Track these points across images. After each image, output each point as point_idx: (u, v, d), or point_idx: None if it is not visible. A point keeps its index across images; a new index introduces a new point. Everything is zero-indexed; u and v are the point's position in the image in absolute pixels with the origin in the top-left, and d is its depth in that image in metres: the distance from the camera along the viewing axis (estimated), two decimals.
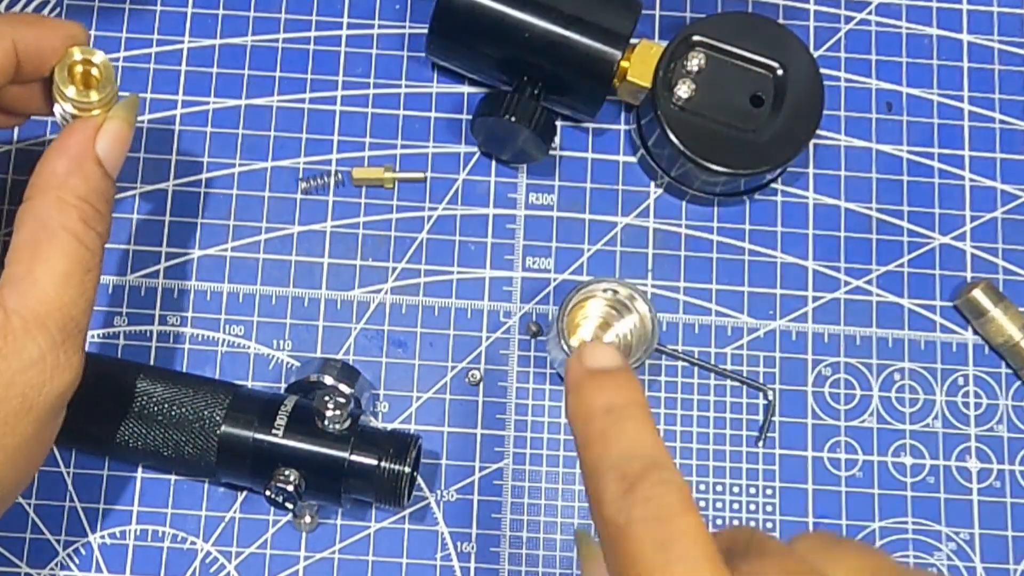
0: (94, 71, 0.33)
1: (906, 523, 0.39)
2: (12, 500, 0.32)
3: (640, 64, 0.39)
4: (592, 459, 0.24)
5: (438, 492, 0.39)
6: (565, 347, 0.37)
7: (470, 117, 0.41)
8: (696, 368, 0.40)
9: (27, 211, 0.31)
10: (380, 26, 0.43)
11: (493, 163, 0.42)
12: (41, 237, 0.30)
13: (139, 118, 0.41)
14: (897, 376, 0.41)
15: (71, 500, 0.38)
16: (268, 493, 0.35)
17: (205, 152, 0.41)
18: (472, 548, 0.39)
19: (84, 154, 0.31)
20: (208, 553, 0.38)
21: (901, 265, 0.42)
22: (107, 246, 0.40)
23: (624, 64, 0.39)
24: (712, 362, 0.40)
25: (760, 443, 0.40)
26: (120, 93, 0.33)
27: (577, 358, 0.26)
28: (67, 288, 0.30)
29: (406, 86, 0.42)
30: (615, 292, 0.38)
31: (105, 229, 0.31)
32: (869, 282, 0.41)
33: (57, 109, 0.33)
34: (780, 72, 0.40)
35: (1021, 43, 0.44)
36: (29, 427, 0.29)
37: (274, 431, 0.35)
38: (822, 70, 0.40)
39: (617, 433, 0.24)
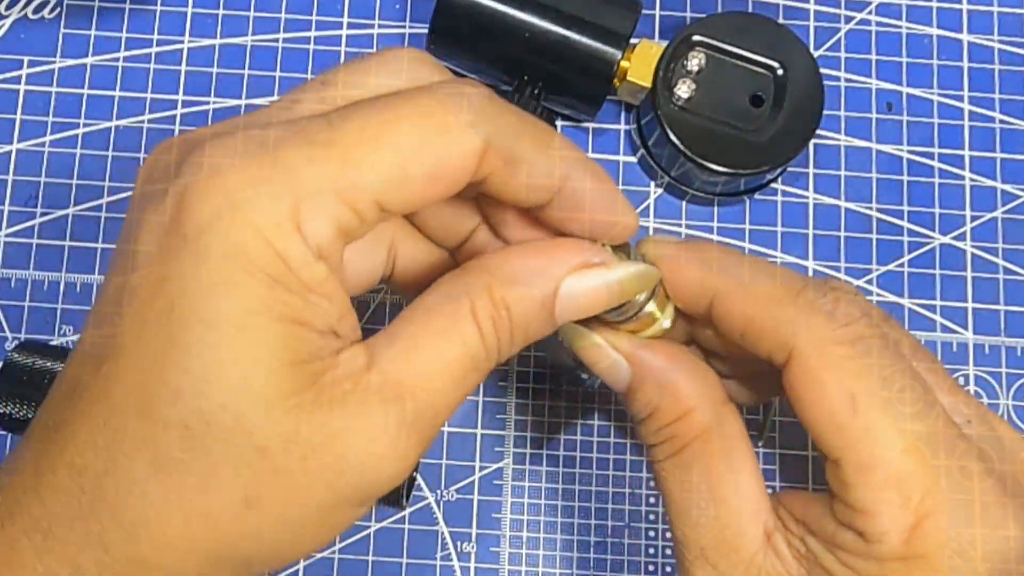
0: None
1: None
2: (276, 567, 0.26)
3: (640, 64, 0.39)
4: None
5: (438, 492, 0.39)
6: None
7: None
8: None
9: (450, 277, 0.25)
10: (380, 26, 0.43)
11: None
12: (446, 311, 0.25)
13: (139, 118, 0.42)
14: None
15: None
16: None
17: None
18: (472, 548, 0.39)
19: (546, 275, 0.25)
20: None
21: (901, 265, 0.42)
22: (107, 246, 0.40)
23: (624, 64, 0.39)
24: None
25: (760, 443, 0.40)
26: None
27: None
28: (444, 374, 0.24)
29: None
30: None
31: (506, 351, 0.26)
32: (869, 282, 0.41)
33: None
34: (780, 72, 0.40)
35: (1021, 43, 0.44)
36: (326, 495, 0.24)
37: None
38: (822, 70, 0.40)
39: None
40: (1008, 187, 0.42)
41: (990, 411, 0.28)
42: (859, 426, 0.25)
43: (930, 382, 0.27)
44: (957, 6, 0.44)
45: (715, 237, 0.42)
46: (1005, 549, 0.25)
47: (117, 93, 0.42)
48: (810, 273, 0.41)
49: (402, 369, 0.24)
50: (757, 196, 0.42)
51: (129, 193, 0.41)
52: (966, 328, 0.41)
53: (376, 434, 0.23)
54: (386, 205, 0.23)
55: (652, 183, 0.42)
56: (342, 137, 0.23)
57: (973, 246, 0.42)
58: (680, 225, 0.42)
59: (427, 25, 0.39)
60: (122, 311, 0.23)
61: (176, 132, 0.41)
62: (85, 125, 0.41)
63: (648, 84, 0.39)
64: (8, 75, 0.42)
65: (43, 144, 0.41)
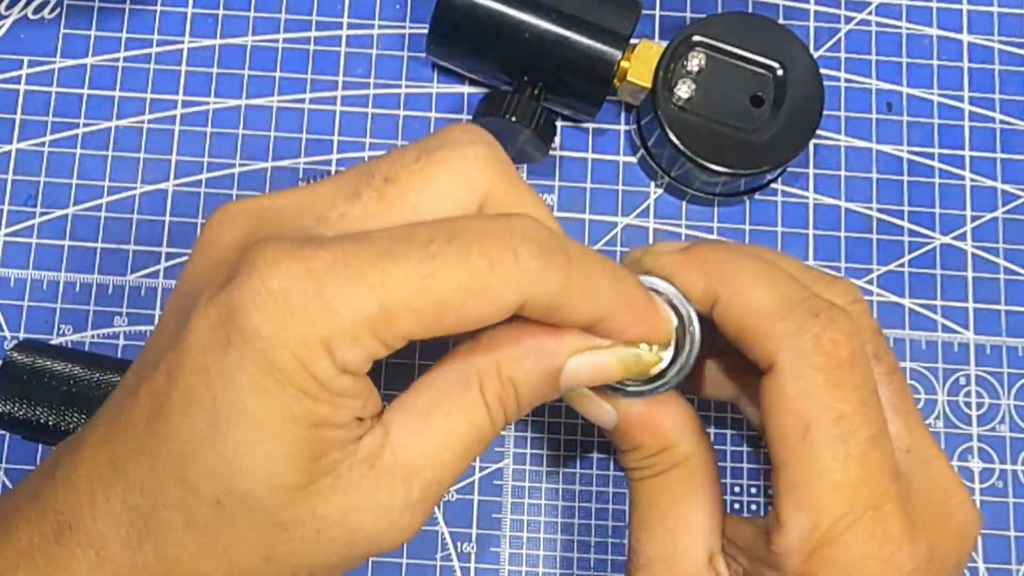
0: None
1: None
2: None
3: (640, 64, 0.39)
4: None
5: None
6: None
7: (470, 117, 0.41)
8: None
9: (461, 353, 0.27)
10: (380, 26, 0.43)
11: None
12: (455, 389, 0.27)
13: (139, 118, 0.42)
14: None
15: None
16: None
17: (205, 152, 0.41)
18: (472, 548, 0.38)
19: (552, 355, 0.27)
20: None
21: (901, 265, 0.42)
22: (107, 246, 0.40)
23: (624, 64, 0.39)
24: None
25: (762, 443, 0.40)
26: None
27: None
28: (451, 451, 0.27)
29: (406, 86, 0.42)
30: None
31: (511, 420, 0.28)
32: (869, 282, 0.41)
33: None
34: (780, 72, 0.39)
35: (1021, 43, 0.44)
36: (335, 559, 0.27)
37: None
38: (822, 70, 0.40)
39: None
40: (1008, 187, 0.42)
41: (934, 442, 0.30)
42: (803, 450, 0.27)
43: (891, 405, 0.29)
44: (957, 6, 0.44)
45: (715, 237, 0.41)
46: None
47: (117, 93, 0.42)
48: None
49: (413, 449, 0.26)
50: (757, 196, 0.42)
51: (130, 192, 0.41)
52: (967, 328, 0.41)
53: (385, 513, 0.26)
54: (415, 339, 0.25)
55: (652, 183, 0.42)
56: (386, 282, 0.24)
57: (973, 246, 0.42)
58: (680, 225, 0.42)
59: (427, 25, 0.39)
60: (173, 381, 0.25)
61: (176, 132, 0.41)
62: (85, 125, 0.41)
63: (648, 84, 0.39)
64: (8, 75, 0.42)
65: (43, 144, 0.41)
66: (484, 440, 0.27)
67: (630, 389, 0.30)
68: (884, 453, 0.28)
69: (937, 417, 0.40)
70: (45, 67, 0.42)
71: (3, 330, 0.40)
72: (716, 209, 0.42)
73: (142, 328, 0.40)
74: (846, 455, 0.27)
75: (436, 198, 0.26)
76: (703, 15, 0.41)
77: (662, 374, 0.29)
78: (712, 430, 0.40)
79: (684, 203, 0.42)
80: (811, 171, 0.42)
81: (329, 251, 0.25)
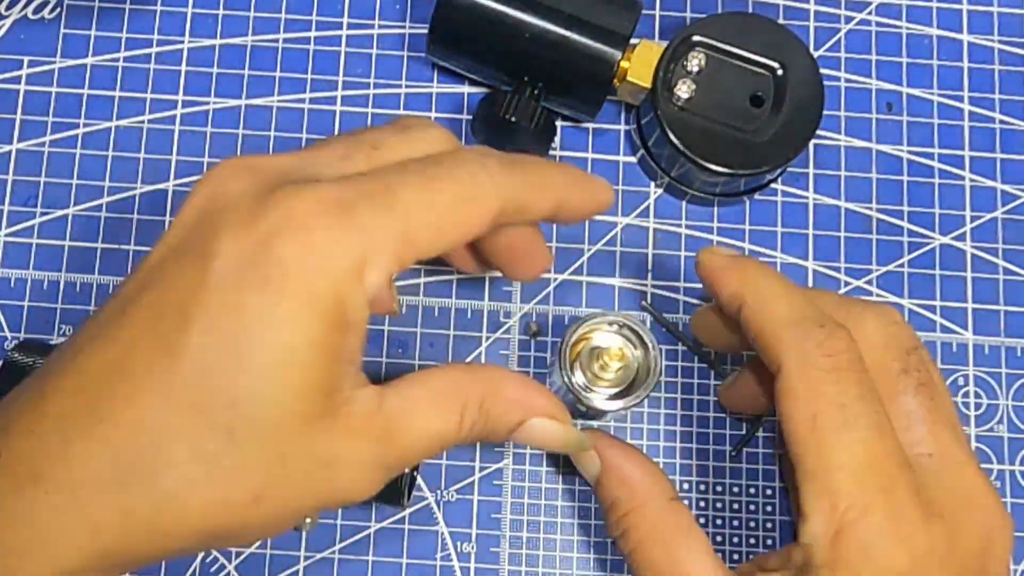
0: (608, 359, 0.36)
1: None
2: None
3: (640, 64, 0.39)
4: None
5: (438, 492, 0.39)
6: (567, 379, 0.36)
7: (470, 117, 0.41)
8: (697, 362, 0.40)
9: (460, 372, 0.30)
10: (380, 26, 0.43)
11: None
12: (445, 398, 0.29)
13: (139, 118, 0.42)
14: None
15: None
16: None
17: (205, 152, 0.41)
18: (472, 548, 0.39)
19: (524, 410, 0.31)
20: (208, 553, 0.38)
21: (901, 265, 0.42)
22: (107, 246, 0.40)
23: (624, 64, 0.39)
24: (713, 358, 0.40)
25: (733, 452, 0.40)
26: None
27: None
28: (422, 442, 0.29)
29: (406, 86, 0.42)
30: (619, 325, 0.37)
31: (467, 442, 0.30)
32: (869, 282, 0.41)
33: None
34: (780, 72, 0.40)
35: (1021, 43, 0.44)
36: (309, 503, 0.28)
37: None
38: (822, 70, 0.40)
39: None
40: (1008, 187, 0.42)
41: (965, 450, 0.32)
42: (814, 441, 0.30)
43: (915, 413, 0.31)
44: (957, 6, 0.44)
45: (715, 237, 0.42)
46: (911, 559, 0.29)
47: (117, 93, 0.42)
48: (809, 273, 0.41)
49: (398, 424, 0.28)
50: (757, 196, 0.42)
51: (130, 193, 0.41)
52: (966, 328, 0.41)
53: (363, 468, 0.28)
54: (423, 256, 0.28)
55: (652, 183, 0.42)
56: (400, 202, 0.27)
57: (973, 246, 0.42)
58: (680, 225, 0.42)
59: (427, 25, 0.39)
60: (190, 319, 0.26)
61: (176, 132, 0.41)
62: (85, 125, 0.41)
63: (648, 84, 0.39)
64: (8, 75, 0.42)
65: (43, 144, 0.41)
66: (444, 447, 0.30)
67: (605, 405, 0.36)
68: (888, 442, 0.30)
69: None
70: (45, 67, 0.42)
71: (3, 330, 0.40)
72: (716, 209, 0.42)
73: None
74: (851, 439, 0.29)
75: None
76: (703, 15, 0.41)
77: (630, 390, 0.36)
78: (713, 430, 0.40)
79: (684, 203, 0.42)
80: (811, 171, 0.42)
81: (349, 185, 0.27)
